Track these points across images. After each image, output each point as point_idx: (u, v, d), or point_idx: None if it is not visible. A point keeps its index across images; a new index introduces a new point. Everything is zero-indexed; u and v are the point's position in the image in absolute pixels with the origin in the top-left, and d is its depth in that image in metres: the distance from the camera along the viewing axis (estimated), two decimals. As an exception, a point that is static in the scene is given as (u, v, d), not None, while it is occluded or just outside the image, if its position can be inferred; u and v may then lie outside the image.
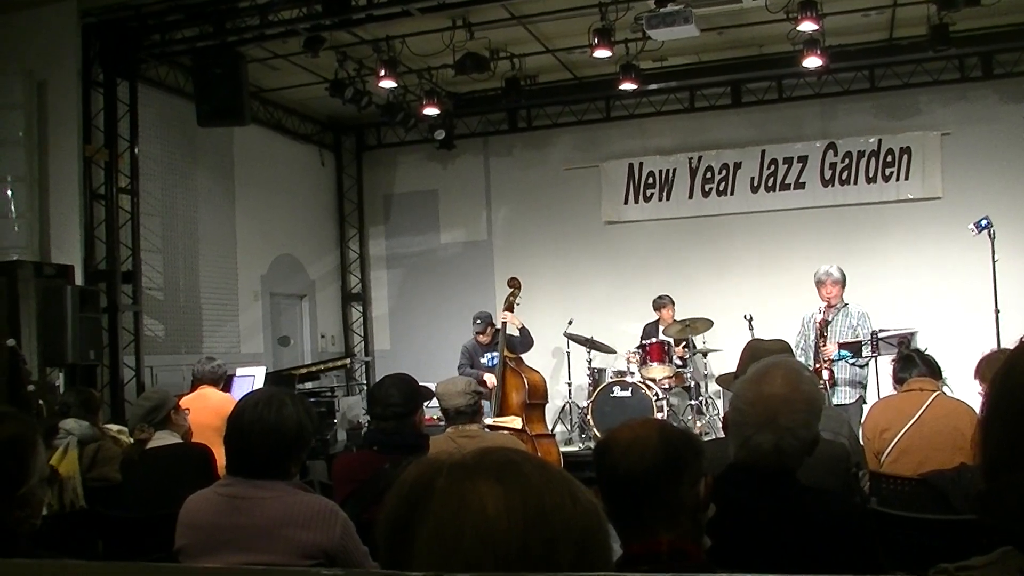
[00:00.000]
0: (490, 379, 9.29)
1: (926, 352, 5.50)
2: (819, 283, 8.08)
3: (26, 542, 2.25)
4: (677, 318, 10.85)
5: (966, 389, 5.24)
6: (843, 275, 8.07)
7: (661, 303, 11.10)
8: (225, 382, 7.64)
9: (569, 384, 11.50)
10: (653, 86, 11.92)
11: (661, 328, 10.91)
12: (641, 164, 12.72)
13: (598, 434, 9.78)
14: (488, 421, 7.83)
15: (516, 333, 9.65)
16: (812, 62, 10.09)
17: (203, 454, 4.82)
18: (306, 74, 11.44)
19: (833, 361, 7.76)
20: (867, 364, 7.92)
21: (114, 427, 6.52)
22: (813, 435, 2.66)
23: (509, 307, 9.66)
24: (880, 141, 11.79)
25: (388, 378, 4.26)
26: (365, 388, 12.53)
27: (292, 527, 2.88)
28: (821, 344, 7.85)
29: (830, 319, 7.99)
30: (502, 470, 1.08)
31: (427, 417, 4.42)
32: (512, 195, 13.45)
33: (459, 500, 1.05)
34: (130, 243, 9.70)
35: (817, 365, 7.69)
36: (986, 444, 1.41)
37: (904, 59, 11.27)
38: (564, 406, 11.42)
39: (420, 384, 4.30)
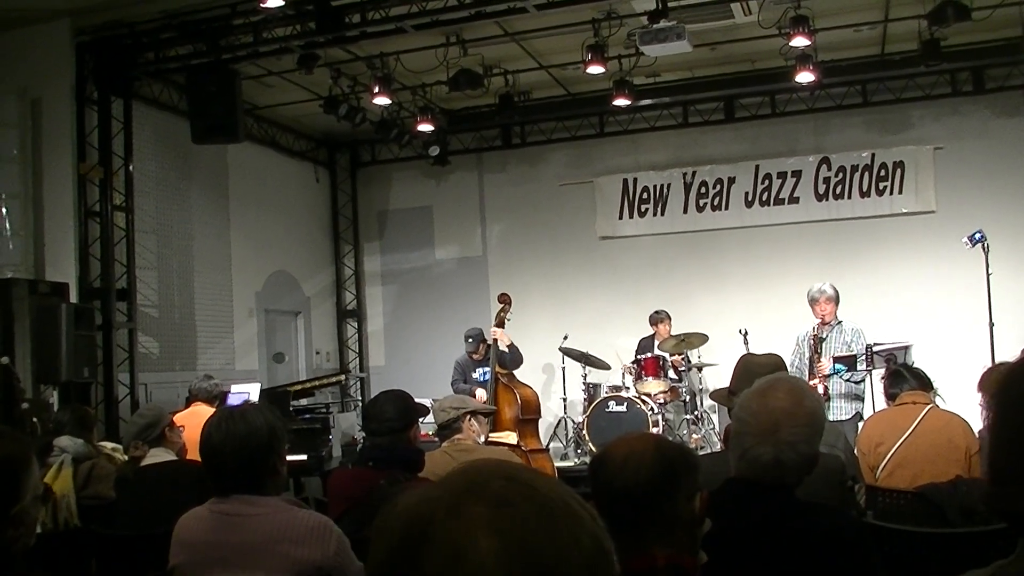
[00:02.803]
0: (480, 394, 9.29)
1: (914, 366, 5.51)
2: (812, 301, 8.08)
3: (20, 561, 2.24)
4: (672, 333, 10.85)
5: (960, 401, 5.25)
6: (836, 292, 8.07)
7: (658, 318, 11.11)
8: (220, 399, 7.61)
9: (564, 399, 11.49)
10: (646, 102, 11.95)
11: (656, 343, 10.91)
12: (635, 179, 12.75)
13: (593, 449, 9.77)
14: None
15: (506, 350, 9.66)
16: (805, 77, 10.12)
17: (198, 471, 4.78)
18: (300, 91, 11.47)
19: (828, 376, 7.75)
20: (863, 379, 7.91)
21: (108, 445, 6.49)
22: (813, 452, 2.66)
23: (500, 323, 9.66)
24: (873, 155, 11.83)
25: (383, 394, 4.27)
26: (360, 404, 12.50)
27: (286, 543, 2.87)
28: (816, 360, 7.85)
29: (824, 336, 7.99)
30: (497, 514, 1.00)
31: (422, 433, 4.43)
32: (506, 211, 13.47)
33: (455, 557, 0.97)
34: (125, 260, 9.69)
35: (813, 381, 7.67)
36: (993, 454, 1.43)
37: (896, 74, 11.33)
38: (559, 421, 11.41)
39: (415, 400, 4.31)
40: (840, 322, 8.06)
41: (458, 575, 0.96)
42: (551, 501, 1.03)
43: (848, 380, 7.77)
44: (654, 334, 11.11)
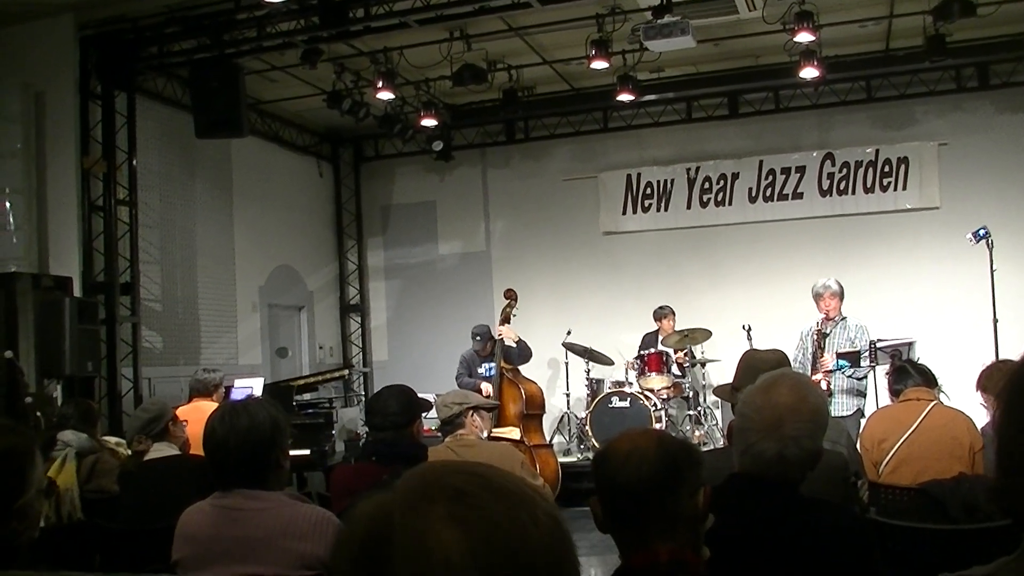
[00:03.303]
0: (486, 388, 9.29)
1: (919, 362, 5.51)
2: (817, 296, 8.05)
3: (24, 554, 2.25)
4: (676, 328, 10.85)
5: (963, 398, 5.25)
6: (841, 288, 8.03)
7: (662, 313, 11.09)
8: (223, 394, 7.61)
9: (567, 395, 11.49)
10: (650, 97, 11.94)
11: (660, 338, 10.91)
12: (639, 175, 12.74)
13: (596, 444, 9.78)
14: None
15: (513, 345, 9.66)
16: (809, 73, 10.10)
17: (201, 466, 4.78)
18: (304, 86, 11.46)
19: (831, 371, 7.74)
20: (866, 376, 7.89)
21: (112, 439, 6.52)
22: (817, 447, 2.66)
23: (506, 319, 9.66)
24: (877, 151, 11.81)
25: (386, 389, 4.26)
26: (363, 399, 12.51)
27: (290, 538, 2.87)
28: (819, 355, 7.83)
29: (828, 332, 7.97)
30: (456, 505, 1.00)
31: (425, 428, 4.43)
32: (510, 206, 13.46)
33: (420, 552, 0.97)
34: (128, 255, 9.70)
35: (816, 377, 7.66)
36: (1001, 449, 1.43)
37: (901, 70, 11.31)
38: (562, 417, 11.41)
39: (418, 395, 4.30)
40: (844, 318, 8.04)
41: (425, 569, 0.96)
42: (505, 487, 1.04)
43: (851, 376, 7.76)
44: (658, 330, 11.10)
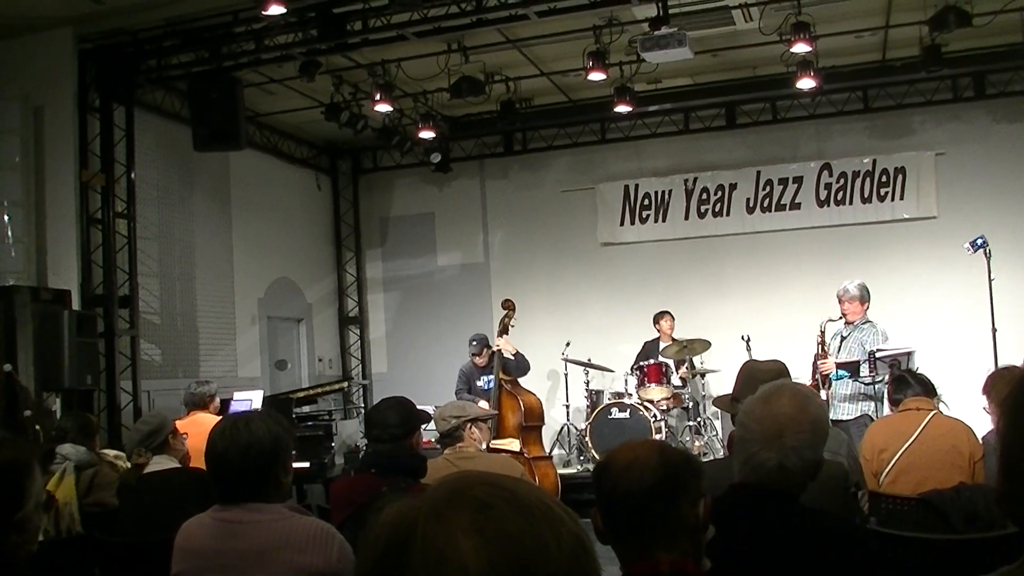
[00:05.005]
0: (484, 407, 9.26)
1: (918, 372, 5.50)
2: (838, 299, 8.07)
3: (23, 568, 2.24)
4: (675, 337, 10.85)
5: (963, 407, 5.25)
6: (861, 292, 7.97)
7: (659, 316, 11.10)
8: (222, 407, 7.60)
9: (567, 406, 11.49)
10: (648, 108, 11.96)
11: (661, 345, 10.90)
12: (637, 186, 12.76)
13: (596, 456, 9.76)
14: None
15: (511, 357, 9.65)
16: (806, 83, 10.12)
17: (200, 478, 4.78)
18: (302, 98, 11.48)
19: (828, 378, 7.71)
20: (875, 382, 7.79)
21: (111, 452, 6.50)
22: (817, 457, 2.67)
23: (504, 329, 9.65)
24: (875, 161, 11.83)
25: (385, 401, 4.26)
26: (363, 411, 12.49)
27: (289, 550, 2.86)
28: (820, 356, 7.81)
29: (846, 334, 7.96)
30: (478, 517, 1.01)
31: (424, 440, 4.42)
32: (508, 217, 13.48)
33: (438, 559, 0.99)
34: (127, 268, 9.70)
35: (811, 381, 7.65)
36: (1005, 456, 1.44)
37: (897, 80, 11.34)
38: (562, 428, 11.40)
39: (418, 407, 4.30)
40: (868, 322, 7.98)
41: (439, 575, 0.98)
42: (531, 503, 1.05)
43: (854, 381, 7.73)
44: (658, 337, 11.09)
